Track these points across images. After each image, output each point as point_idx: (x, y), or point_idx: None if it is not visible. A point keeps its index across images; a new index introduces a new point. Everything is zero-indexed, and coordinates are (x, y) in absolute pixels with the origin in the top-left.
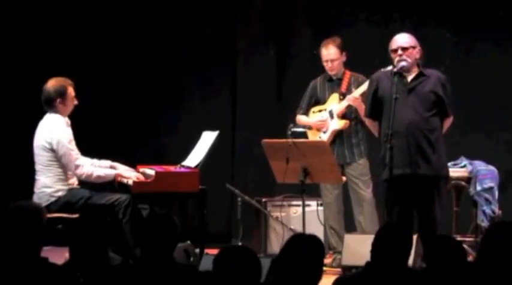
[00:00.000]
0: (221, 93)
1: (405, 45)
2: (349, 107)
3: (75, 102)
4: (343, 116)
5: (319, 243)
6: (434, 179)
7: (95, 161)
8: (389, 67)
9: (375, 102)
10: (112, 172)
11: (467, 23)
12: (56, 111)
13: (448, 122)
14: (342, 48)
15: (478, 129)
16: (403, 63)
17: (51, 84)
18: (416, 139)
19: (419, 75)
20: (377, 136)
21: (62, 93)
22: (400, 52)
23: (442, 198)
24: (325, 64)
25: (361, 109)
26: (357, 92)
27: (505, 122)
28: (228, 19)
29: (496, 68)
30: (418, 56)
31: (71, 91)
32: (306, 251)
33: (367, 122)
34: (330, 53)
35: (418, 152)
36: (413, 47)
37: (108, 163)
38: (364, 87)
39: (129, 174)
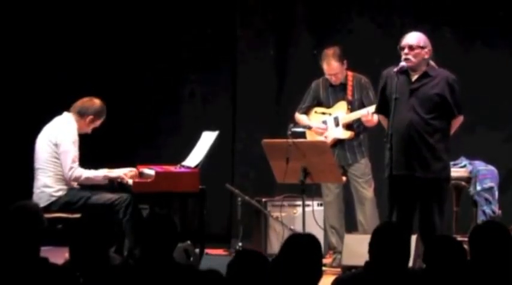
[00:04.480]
0: (221, 93)
1: (412, 43)
2: (357, 119)
3: (89, 132)
4: (348, 126)
5: (316, 242)
6: (433, 182)
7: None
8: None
9: (383, 99)
10: (100, 173)
11: (467, 23)
12: (75, 118)
13: (457, 122)
14: (343, 57)
15: (478, 129)
16: (402, 64)
17: (99, 103)
18: (413, 141)
19: (424, 75)
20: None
21: (97, 116)
22: (406, 51)
23: (442, 201)
24: (328, 77)
25: (369, 123)
26: (372, 108)
27: (505, 122)
28: (228, 19)
29: (496, 68)
30: (426, 56)
31: (99, 122)
32: (304, 250)
33: (379, 118)
34: (332, 68)
35: (414, 154)
36: (422, 47)
37: (105, 171)
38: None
39: (117, 174)
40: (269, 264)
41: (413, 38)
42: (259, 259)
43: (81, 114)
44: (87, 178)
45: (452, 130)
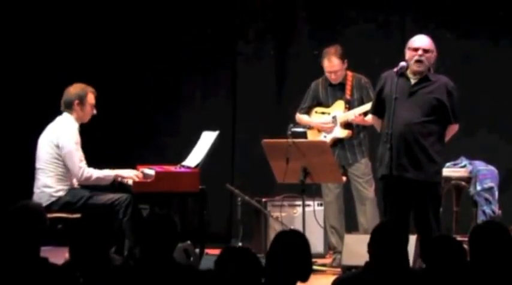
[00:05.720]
0: (221, 93)
1: (427, 47)
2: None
3: (94, 112)
4: (346, 125)
5: (303, 238)
6: (425, 185)
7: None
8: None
9: (379, 101)
10: (111, 173)
11: (467, 23)
12: (72, 114)
13: (452, 130)
14: (344, 56)
15: (478, 129)
16: (402, 63)
17: (74, 87)
18: (407, 142)
19: (424, 79)
20: (379, 131)
21: (81, 97)
22: (420, 52)
23: (437, 203)
24: (328, 75)
25: (364, 123)
26: (358, 110)
27: (505, 122)
28: (228, 19)
29: (496, 68)
30: (432, 61)
31: (90, 97)
32: (291, 247)
33: (372, 119)
34: (333, 65)
35: (406, 155)
36: (432, 52)
37: (114, 171)
38: (366, 106)
39: (128, 174)
40: (258, 260)
41: (426, 41)
42: (247, 255)
43: (67, 106)
44: (98, 178)
45: (447, 138)
